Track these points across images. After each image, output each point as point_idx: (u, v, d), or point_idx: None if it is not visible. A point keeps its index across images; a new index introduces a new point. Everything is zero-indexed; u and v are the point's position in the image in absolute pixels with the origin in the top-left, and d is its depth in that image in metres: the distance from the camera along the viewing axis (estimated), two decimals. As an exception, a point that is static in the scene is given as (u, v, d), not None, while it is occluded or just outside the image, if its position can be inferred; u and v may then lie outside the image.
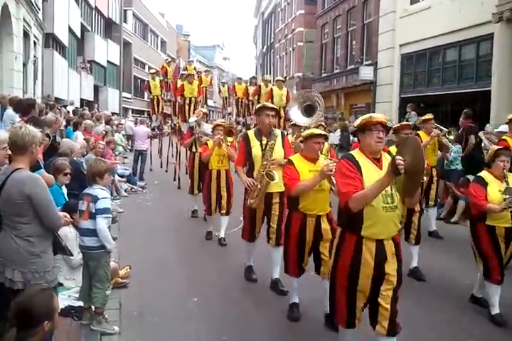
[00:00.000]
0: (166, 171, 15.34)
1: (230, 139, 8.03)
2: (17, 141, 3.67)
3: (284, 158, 5.66)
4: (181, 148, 13.89)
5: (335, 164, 4.28)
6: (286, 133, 7.08)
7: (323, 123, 9.07)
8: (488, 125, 11.53)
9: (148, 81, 16.96)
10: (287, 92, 13.78)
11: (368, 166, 3.67)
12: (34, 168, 4.05)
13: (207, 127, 9.41)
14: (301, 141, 5.27)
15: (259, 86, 14.96)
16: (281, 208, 5.83)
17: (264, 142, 5.85)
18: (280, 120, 12.95)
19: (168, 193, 12.11)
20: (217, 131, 7.91)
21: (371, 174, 3.60)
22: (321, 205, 4.90)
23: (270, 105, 6.18)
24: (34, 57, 19.16)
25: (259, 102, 13.70)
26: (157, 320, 5.04)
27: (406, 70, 17.78)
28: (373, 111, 19.42)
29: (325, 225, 4.92)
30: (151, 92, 16.27)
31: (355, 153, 3.80)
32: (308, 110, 7.19)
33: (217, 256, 7.32)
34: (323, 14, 26.32)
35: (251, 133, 6.05)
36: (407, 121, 15.05)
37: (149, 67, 46.50)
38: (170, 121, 16.79)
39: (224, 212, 7.96)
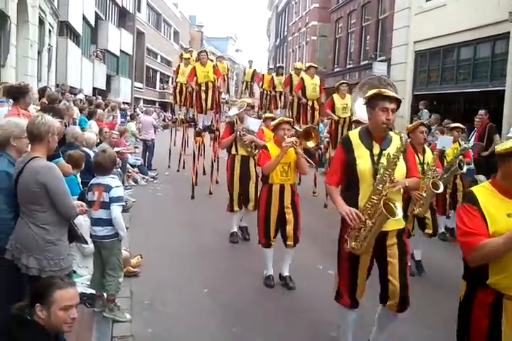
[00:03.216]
0: (178, 170, 14.04)
1: (310, 144, 6.08)
2: (33, 130, 3.74)
3: (407, 176, 3.87)
4: (196, 145, 12.18)
5: None
6: (320, 129, 6.32)
7: (425, 122, 7.44)
8: None
9: (178, 65, 15.29)
10: (320, 81, 12.09)
11: None
12: (52, 156, 4.11)
13: (252, 122, 7.60)
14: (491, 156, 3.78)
15: (290, 75, 13.10)
16: (402, 253, 3.90)
17: (376, 151, 3.83)
18: (315, 113, 11.82)
19: (179, 183, 12.15)
20: (281, 130, 5.74)
21: None
22: None
23: (389, 93, 3.90)
24: (49, 45, 19.22)
25: (291, 94, 12.63)
26: (168, 309, 5.11)
27: (420, 67, 17.68)
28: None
29: None
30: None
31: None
32: None
33: (230, 245, 7.37)
34: (338, 8, 26.21)
35: (354, 135, 3.97)
36: (419, 118, 15.06)
37: (161, 58, 46.83)
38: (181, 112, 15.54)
39: (291, 243, 5.80)
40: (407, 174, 3.87)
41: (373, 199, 3.71)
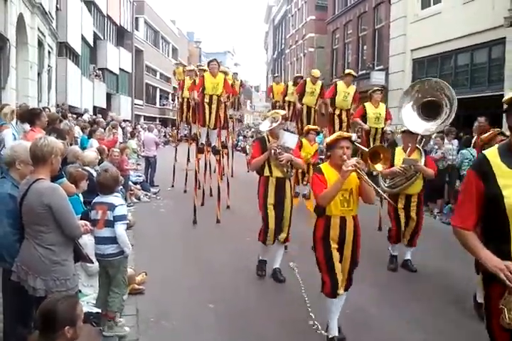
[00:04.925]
0: (185, 191, 13.04)
1: (379, 167, 4.85)
2: (36, 152, 3.77)
3: None
4: (197, 163, 11.07)
5: None
6: (355, 139, 4.94)
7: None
8: None
9: (183, 80, 14.20)
10: (355, 92, 10.82)
11: None
12: (55, 177, 4.13)
13: (289, 138, 6.36)
14: None
15: (305, 81, 11.80)
16: None
17: None
18: (342, 124, 10.73)
19: (182, 199, 12.16)
20: (340, 148, 4.48)
21: None
22: None
23: None
24: (48, 66, 19.38)
25: (301, 101, 11.58)
26: (174, 326, 5.09)
27: (418, 75, 17.75)
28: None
29: None
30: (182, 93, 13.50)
31: None
32: (428, 110, 5.62)
33: (234, 262, 7.31)
34: (334, 20, 26.41)
35: (492, 155, 2.80)
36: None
37: (161, 74, 47.15)
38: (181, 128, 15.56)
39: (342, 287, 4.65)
40: None
41: None
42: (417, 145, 6.70)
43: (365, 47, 22.99)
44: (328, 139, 4.74)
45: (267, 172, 6.40)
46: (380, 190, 4.69)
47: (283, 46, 39.61)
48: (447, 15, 15.19)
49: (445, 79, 16.30)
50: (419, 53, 17.37)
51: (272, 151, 6.21)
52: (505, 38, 12.92)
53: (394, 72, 18.76)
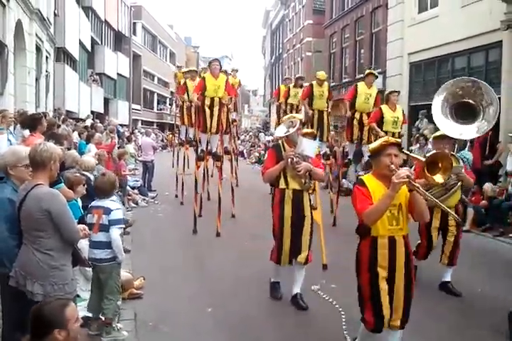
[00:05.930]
0: (182, 203, 12.19)
1: (439, 179, 3.92)
2: (36, 158, 3.77)
3: None
4: (197, 171, 10.26)
5: None
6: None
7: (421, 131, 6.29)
8: None
9: (185, 82, 12.90)
10: (378, 93, 10.20)
11: None
12: (53, 182, 4.13)
13: (308, 146, 5.68)
14: None
15: (311, 85, 11.05)
16: None
17: None
18: (363, 129, 9.96)
19: (179, 203, 12.17)
20: (386, 156, 3.83)
21: None
22: None
23: None
24: (46, 71, 19.43)
25: (311, 106, 10.89)
26: (172, 330, 5.07)
27: (415, 78, 17.81)
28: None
29: None
30: (188, 96, 12.00)
31: None
32: (463, 112, 5.32)
33: (234, 266, 7.29)
34: (331, 24, 26.50)
35: None
36: (418, 129, 15.12)
37: (158, 79, 47.20)
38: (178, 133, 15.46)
39: (397, 324, 3.95)
40: None
41: None
42: (452, 152, 5.96)
43: (362, 51, 23.06)
44: (372, 146, 4.01)
45: (282, 184, 5.71)
46: (442, 205, 3.99)
47: (280, 50, 39.71)
48: (444, 19, 15.23)
49: (443, 82, 16.22)
50: (416, 57, 17.41)
51: (289, 160, 5.52)
52: (501, 41, 12.96)
53: (391, 75, 18.79)
